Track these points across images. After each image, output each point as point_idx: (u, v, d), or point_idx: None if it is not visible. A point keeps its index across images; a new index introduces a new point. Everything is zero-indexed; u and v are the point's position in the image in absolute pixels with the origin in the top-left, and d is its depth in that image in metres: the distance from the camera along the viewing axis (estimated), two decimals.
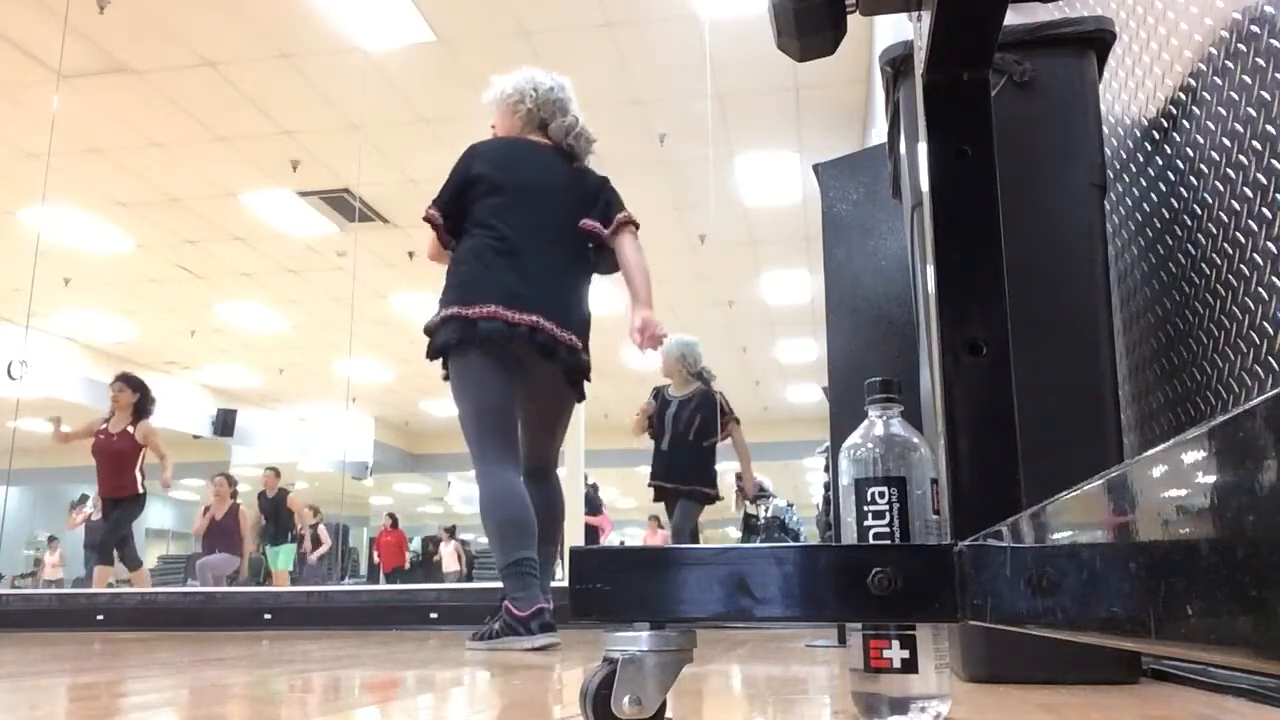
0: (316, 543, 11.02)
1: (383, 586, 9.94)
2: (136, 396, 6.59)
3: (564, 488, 3.11)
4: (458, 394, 2.76)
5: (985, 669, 1.37)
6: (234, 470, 8.59)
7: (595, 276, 3.05)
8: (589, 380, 2.96)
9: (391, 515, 14.61)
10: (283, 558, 9.73)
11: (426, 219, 2.89)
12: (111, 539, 6.60)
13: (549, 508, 2.90)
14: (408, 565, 13.95)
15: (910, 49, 1.51)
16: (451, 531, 14.81)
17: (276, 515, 9.79)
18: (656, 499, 5.51)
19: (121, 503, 6.58)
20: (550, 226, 2.87)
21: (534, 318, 2.70)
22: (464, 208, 2.86)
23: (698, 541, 5.81)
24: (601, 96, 6.91)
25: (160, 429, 6.86)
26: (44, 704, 1.28)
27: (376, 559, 14.18)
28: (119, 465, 6.50)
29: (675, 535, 5.40)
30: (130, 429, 6.54)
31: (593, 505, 9.83)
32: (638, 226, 2.97)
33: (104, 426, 6.59)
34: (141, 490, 6.64)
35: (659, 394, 5.56)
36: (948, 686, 0.93)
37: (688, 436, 5.33)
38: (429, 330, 2.80)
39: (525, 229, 2.81)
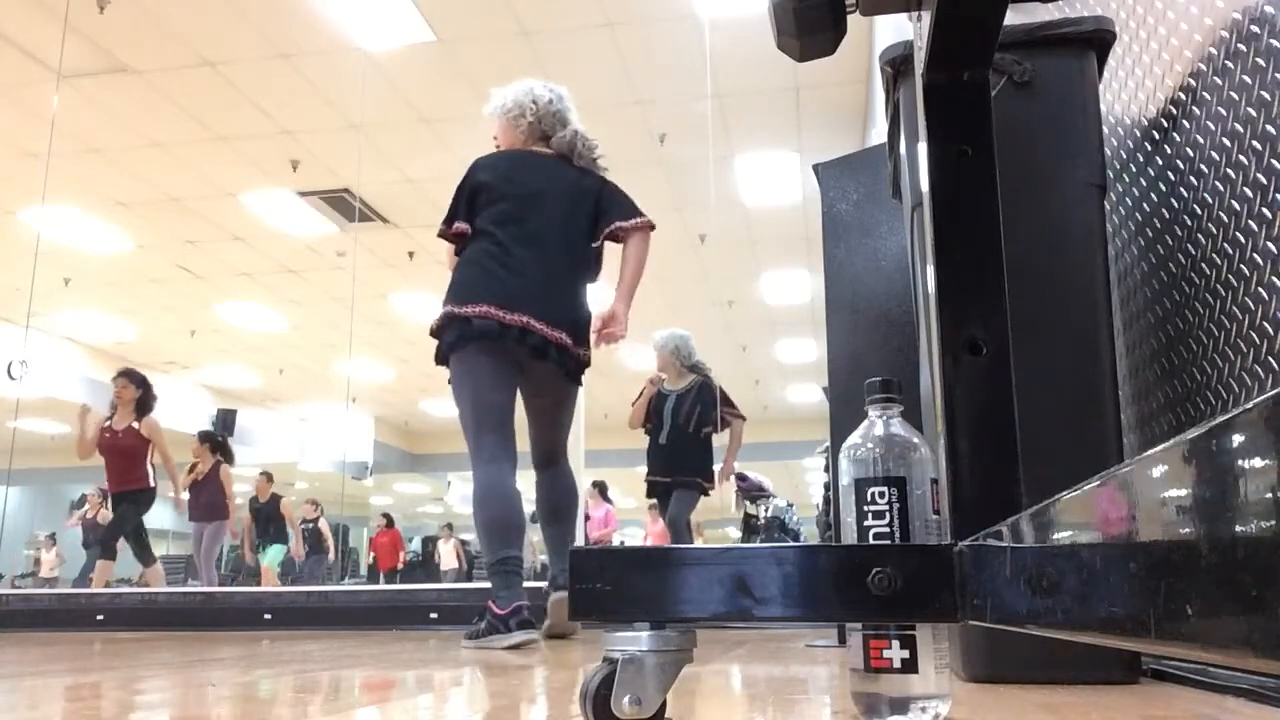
0: (318, 537, 10.80)
1: (382, 586, 9.85)
2: (140, 392, 6.57)
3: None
4: (457, 391, 2.87)
5: (985, 669, 1.37)
6: (234, 471, 8.37)
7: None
8: (582, 372, 3.05)
9: (386, 515, 14.52)
10: (270, 555, 9.55)
11: (441, 236, 3.02)
12: (116, 533, 6.55)
13: (562, 494, 3.04)
14: (400, 565, 13.76)
15: (910, 49, 1.51)
16: (450, 529, 14.76)
17: (269, 521, 9.49)
18: (650, 494, 5.42)
19: (131, 496, 6.52)
20: (549, 230, 2.98)
21: (524, 318, 2.81)
22: (472, 217, 2.99)
23: (693, 538, 5.75)
24: (601, 96, 6.91)
25: (165, 429, 6.81)
26: (43, 704, 1.28)
27: (371, 559, 14.09)
28: (129, 461, 6.47)
29: (672, 526, 5.30)
30: (135, 424, 6.52)
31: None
32: (652, 228, 3.07)
33: (108, 424, 6.54)
34: (152, 484, 6.60)
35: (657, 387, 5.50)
36: (948, 686, 0.93)
37: (688, 429, 5.27)
38: (434, 332, 2.93)
39: (522, 235, 2.93)
